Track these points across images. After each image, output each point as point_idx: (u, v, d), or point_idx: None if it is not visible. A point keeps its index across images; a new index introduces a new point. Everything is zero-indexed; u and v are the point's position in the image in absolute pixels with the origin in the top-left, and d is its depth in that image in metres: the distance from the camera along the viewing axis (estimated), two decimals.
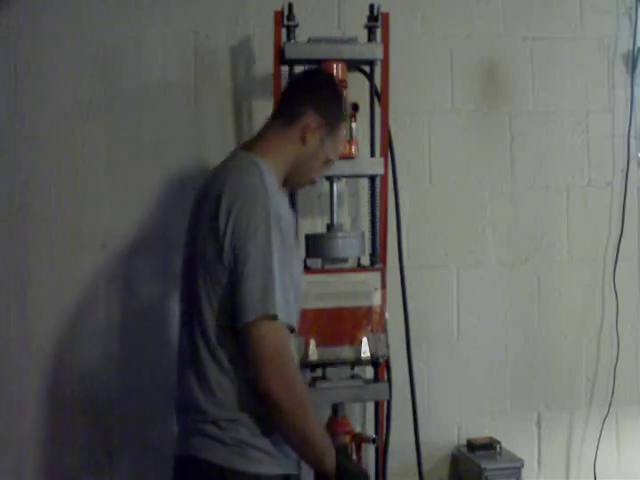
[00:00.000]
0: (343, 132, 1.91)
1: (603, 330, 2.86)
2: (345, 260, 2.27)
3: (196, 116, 2.61)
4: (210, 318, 1.65)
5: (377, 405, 2.42)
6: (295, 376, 1.62)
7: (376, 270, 2.29)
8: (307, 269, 2.23)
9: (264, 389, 1.56)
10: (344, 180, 2.52)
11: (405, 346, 2.45)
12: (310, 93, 1.82)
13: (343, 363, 2.22)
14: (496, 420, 2.78)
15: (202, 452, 1.65)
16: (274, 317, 1.57)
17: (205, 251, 1.66)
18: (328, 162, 1.88)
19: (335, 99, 1.85)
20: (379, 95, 2.37)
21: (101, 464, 2.54)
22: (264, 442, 1.65)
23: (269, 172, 1.70)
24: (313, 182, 1.93)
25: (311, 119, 1.78)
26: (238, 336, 1.60)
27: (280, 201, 1.70)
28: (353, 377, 2.25)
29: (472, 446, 2.65)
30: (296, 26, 2.30)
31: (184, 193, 2.59)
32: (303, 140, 1.78)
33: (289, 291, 1.63)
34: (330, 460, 1.69)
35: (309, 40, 2.30)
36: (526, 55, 2.82)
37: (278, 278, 1.59)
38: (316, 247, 2.25)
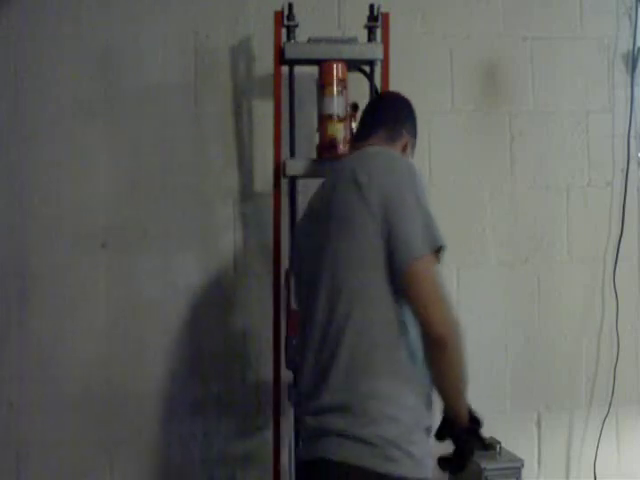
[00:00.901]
0: None
1: (603, 330, 2.86)
2: None
3: (196, 116, 2.61)
4: (365, 286, 1.57)
5: None
6: (454, 313, 1.58)
7: None
8: None
9: (437, 330, 1.53)
10: None
11: None
12: (405, 116, 1.86)
13: None
14: (496, 420, 2.76)
15: (336, 454, 1.52)
16: (439, 252, 1.56)
17: (347, 217, 1.60)
18: None
19: (416, 125, 1.90)
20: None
21: (101, 464, 2.54)
22: (407, 442, 1.54)
23: None
24: None
25: (407, 140, 1.83)
26: (401, 280, 1.53)
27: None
28: None
29: None
30: (296, 26, 2.30)
31: (184, 193, 2.60)
32: None
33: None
34: (467, 405, 1.73)
35: (309, 40, 2.30)
36: (526, 55, 2.82)
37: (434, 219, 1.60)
38: None
